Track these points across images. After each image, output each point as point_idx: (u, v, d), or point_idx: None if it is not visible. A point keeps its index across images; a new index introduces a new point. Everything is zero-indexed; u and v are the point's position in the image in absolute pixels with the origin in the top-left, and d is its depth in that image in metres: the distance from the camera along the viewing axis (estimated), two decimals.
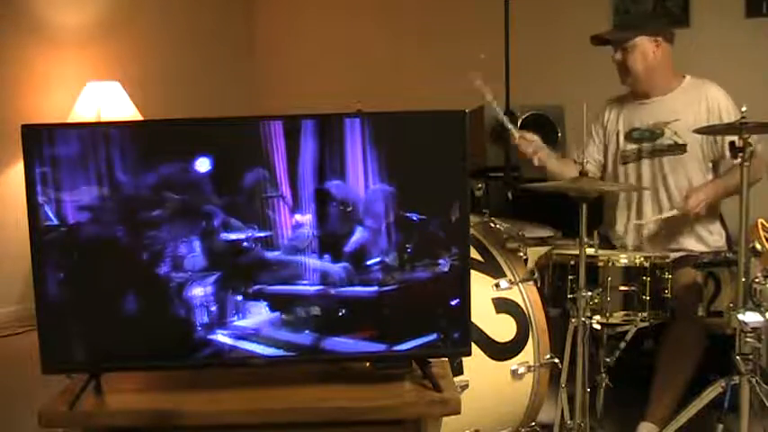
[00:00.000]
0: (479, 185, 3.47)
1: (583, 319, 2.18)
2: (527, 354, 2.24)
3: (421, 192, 1.69)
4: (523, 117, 3.46)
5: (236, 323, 1.68)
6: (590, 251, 2.28)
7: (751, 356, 2.09)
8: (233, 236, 1.67)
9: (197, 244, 1.66)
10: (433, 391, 1.67)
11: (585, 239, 2.17)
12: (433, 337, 1.71)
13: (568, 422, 2.25)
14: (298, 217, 1.67)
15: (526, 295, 2.29)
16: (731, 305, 2.13)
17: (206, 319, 1.67)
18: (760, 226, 2.25)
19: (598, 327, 2.29)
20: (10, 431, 2.55)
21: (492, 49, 3.51)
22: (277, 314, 1.68)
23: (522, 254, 2.42)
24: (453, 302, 1.70)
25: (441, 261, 1.69)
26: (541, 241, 2.85)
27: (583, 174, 2.26)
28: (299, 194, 1.66)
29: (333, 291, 1.68)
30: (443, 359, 1.84)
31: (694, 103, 2.66)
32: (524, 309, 2.27)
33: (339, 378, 1.76)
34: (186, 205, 1.66)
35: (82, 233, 1.65)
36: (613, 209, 2.80)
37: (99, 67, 4.26)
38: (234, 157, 1.67)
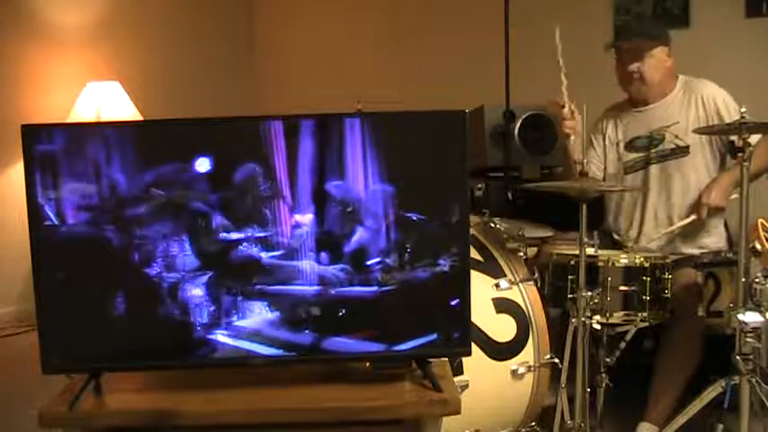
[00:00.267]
0: (479, 185, 3.48)
1: (583, 319, 2.18)
2: (527, 354, 2.24)
3: (421, 192, 1.69)
4: (523, 117, 3.46)
5: (236, 323, 1.68)
6: (590, 251, 2.28)
7: (751, 356, 2.09)
8: (232, 236, 1.67)
9: (197, 244, 1.66)
10: (432, 391, 1.67)
11: (585, 239, 2.17)
12: (432, 337, 1.71)
13: (568, 422, 2.25)
14: (298, 217, 1.67)
15: (526, 295, 2.29)
16: (731, 305, 2.13)
17: (206, 319, 1.68)
18: (760, 226, 2.25)
19: (598, 327, 2.28)
20: (10, 431, 2.56)
21: (492, 49, 3.52)
22: (277, 314, 1.68)
23: (522, 254, 2.42)
24: (453, 302, 1.70)
25: (441, 261, 1.69)
26: (541, 241, 2.85)
27: (583, 174, 2.26)
28: (298, 194, 1.66)
29: (333, 291, 1.68)
30: (443, 359, 1.84)
31: (690, 104, 2.67)
32: (524, 309, 2.27)
33: (339, 378, 1.76)
34: (185, 205, 1.66)
35: (82, 233, 1.65)
36: (622, 216, 2.80)
37: (99, 67, 4.25)
38: (234, 157, 1.67)
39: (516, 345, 2.23)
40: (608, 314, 2.29)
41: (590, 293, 2.20)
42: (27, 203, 1.64)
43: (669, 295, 2.33)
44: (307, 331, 1.69)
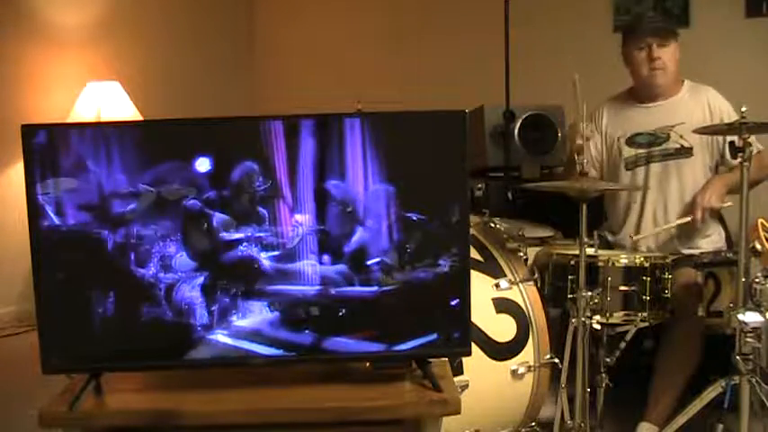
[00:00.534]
0: (479, 185, 3.48)
1: (583, 319, 2.18)
2: (527, 354, 2.24)
3: (421, 192, 1.69)
4: (523, 117, 3.46)
5: (235, 323, 1.68)
6: (590, 251, 2.28)
7: (751, 356, 2.09)
8: (233, 235, 1.67)
9: (196, 244, 1.66)
10: (432, 391, 1.67)
11: (585, 239, 2.17)
12: (432, 337, 1.71)
13: (568, 422, 2.25)
14: (298, 217, 1.67)
15: (526, 295, 2.29)
16: (731, 305, 2.13)
17: (206, 319, 1.68)
18: (760, 226, 2.24)
19: (598, 327, 2.28)
20: (10, 431, 2.56)
21: (492, 49, 3.52)
22: (277, 314, 1.68)
23: (522, 254, 2.42)
24: (453, 302, 1.71)
25: (441, 261, 1.69)
26: (541, 241, 2.85)
27: (582, 174, 2.26)
28: (299, 194, 1.66)
29: (333, 291, 1.68)
30: (443, 359, 1.84)
31: (697, 107, 2.67)
32: (524, 309, 2.27)
33: (339, 378, 1.76)
34: (186, 205, 1.66)
35: (82, 233, 1.65)
36: (618, 213, 2.80)
37: (99, 67, 4.25)
38: (234, 156, 1.66)
39: (516, 345, 2.23)
40: (608, 314, 2.29)
41: (590, 293, 2.20)
42: (27, 203, 1.64)
43: (669, 295, 2.33)
44: (307, 331, 1.69)
